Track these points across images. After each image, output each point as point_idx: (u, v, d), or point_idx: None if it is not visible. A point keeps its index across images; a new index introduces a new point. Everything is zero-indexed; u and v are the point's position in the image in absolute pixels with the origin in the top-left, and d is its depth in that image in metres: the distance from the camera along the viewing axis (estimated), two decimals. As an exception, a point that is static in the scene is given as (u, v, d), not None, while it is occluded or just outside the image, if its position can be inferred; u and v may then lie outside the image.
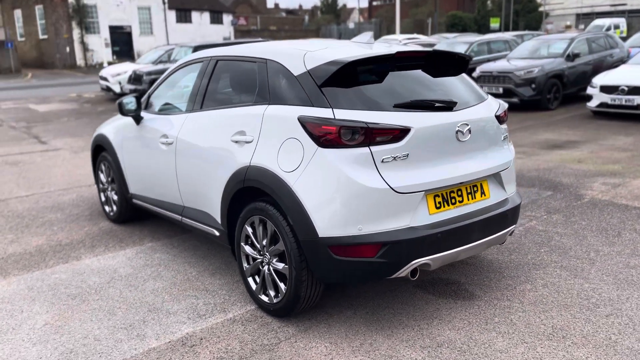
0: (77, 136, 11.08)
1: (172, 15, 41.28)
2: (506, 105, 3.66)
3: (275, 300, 3.26)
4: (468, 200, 3.25)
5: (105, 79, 17.72)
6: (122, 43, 38.49)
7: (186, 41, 26.86)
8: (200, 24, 43.14)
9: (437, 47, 16.37)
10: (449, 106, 3.18)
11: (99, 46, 36.42)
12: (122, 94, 17.04)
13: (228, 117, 3.58)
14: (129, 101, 4.46)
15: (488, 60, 14.94)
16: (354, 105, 2.99)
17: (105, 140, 5.09)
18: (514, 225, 3.50)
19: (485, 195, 3.35)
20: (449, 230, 3.04)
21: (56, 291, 3.78)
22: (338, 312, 3.37)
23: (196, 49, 14.93)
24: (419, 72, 3.40)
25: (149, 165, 4.44)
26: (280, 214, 3.10)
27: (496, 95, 12.65)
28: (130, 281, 3.92)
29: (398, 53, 3.23)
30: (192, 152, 3.85)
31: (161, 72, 15.72)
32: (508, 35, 17.57)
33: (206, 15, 43.80)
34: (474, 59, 14.96)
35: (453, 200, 3.18)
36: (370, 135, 2.89)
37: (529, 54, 13.11)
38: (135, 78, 15.82)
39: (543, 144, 8.33)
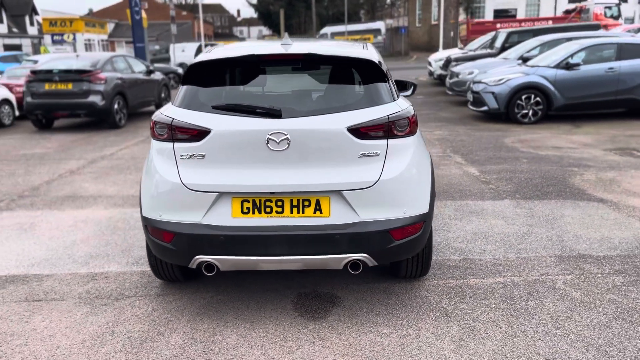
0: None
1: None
2: (403, 115, 3.10)
3: (159, 265, 3.84)
4: (291, 213, 3.08)
5: (430, 63, 18.80)
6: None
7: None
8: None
9: None
10: (271, 113, 3.05)
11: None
12: (439, 78, 17.88)
13: None
14: None
15: None
16: (190, 104, 3.24)
17: None
18: (357, 255, 3.04)
19: (321, 213, 3.07)
20: (238, 236, 3.03)
21: (118, 223, 5.18)
22: (203, 292, 3.69)
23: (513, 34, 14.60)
24: (297, 76, 3.31)
25: None
26: None
27: None
28: (154, 228, 5.00)
29: (261, 56, 3.26)
30: None
31: (468, 58, 15.82)
32: None
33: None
34: None
35: (268, 210, 3.09)
36: (173, 132, 3.15)
37: None
38: (445, 63, 16.38)
39: None
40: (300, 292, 3.64)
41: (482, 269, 3.89)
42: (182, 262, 3.24)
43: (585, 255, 4.10)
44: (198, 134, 3.09)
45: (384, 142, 3.10)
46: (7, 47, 42.96)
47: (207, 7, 77.82)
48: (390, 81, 3.37)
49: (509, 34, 16.14)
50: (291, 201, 3.08)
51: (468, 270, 3.88)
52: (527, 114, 10.48)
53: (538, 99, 10.43)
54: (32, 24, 49.12)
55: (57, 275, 4.03)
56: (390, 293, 3.58)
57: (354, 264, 3.11)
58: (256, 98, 3.25)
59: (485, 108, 10.84)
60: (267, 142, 3.01)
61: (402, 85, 5.32)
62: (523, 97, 10.45)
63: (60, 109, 11.08)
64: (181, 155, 3.13)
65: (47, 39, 40.34)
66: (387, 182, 3.08)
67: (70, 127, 11.98)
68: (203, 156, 3.10)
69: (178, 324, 3.28)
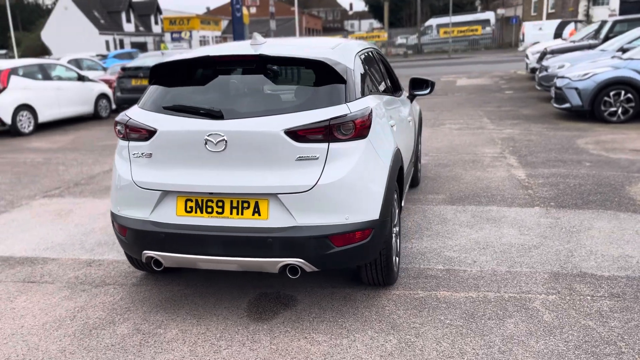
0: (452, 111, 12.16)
1: None
2: (349, 118, 2.99)
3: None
4: (231, 214, 3.10)
5: (527, 55, 17.66)
6: (632, 14, 35.18)
7: None
8: None
9: None
10: (212, 114, 3.08)
11: (603, 19, 34.53)
12: (533, 71, 16.74)
13: None
14: None
15: None
16: (150, 105, 3.37)
17: None
18: (292, 259, 2.99)
19: (260, 215, 3.06)
20: (177, 234, 3.10)
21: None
22: (174, 285, 3.81)
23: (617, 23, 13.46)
24: (252, 77, 3.33)
25: None
26: None
27: None
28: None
29: (216, 57, 3.30)
30: None
31: (565, 50, 14.65)
32: None
33: None
34: None
35: (210, 210, 3.13)
36: (128, 132, 3.29)
37: None
38: (541, 56, 15.29)
39: None
40: (263, 292, 3.65)
41: (460, 282, 3.64)
42: (136, 256, 3.38)
43: (587, 274, 3.68)
44: (147, 133, 3.21)
45: (324, 145, 3.00)
46: (133, 45, 46.81)
47: (318, 2, 79.01)
48: (350, 82, 3.23)
49: (615, 23, 14.72)
50: (231, 202, 3.10)
51: (444, 282, 3.64)
52: (615, 112, 9.54)
53: (629, 95, 9.44)
54: (156, 22, 53.06)
55: (61, 259, 4.38)
56: (349, 300, 3.47)
57: (292, 269, 3.06)
58: (205, 99, 3.29)
59: (567, 105, 10.00)
60: (206, 143, 3.05)
61: (421, 84, 5.11)
62: (611, 93, 9.51)
63: (144, 103, 11.91)
64: (134, 154, 3.27)
65: (167, 36, 43.37)
66: (326, 187, 2.99)
67: (156, 120, 12.83)
68: (150, 155, 3.21)
69: (134, 314, 3.43)
